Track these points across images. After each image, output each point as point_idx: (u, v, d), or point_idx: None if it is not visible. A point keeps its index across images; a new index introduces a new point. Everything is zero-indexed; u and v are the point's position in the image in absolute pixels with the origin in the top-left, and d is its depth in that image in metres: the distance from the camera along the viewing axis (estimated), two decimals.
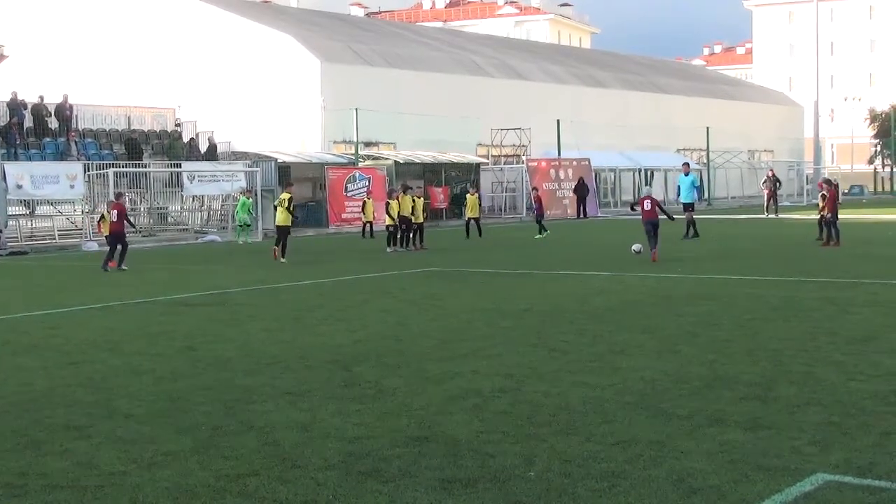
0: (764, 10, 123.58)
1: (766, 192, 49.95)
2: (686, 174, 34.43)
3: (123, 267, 24.44)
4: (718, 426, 8.42)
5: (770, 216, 46.65)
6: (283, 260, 26.11)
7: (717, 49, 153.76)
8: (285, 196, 27.50)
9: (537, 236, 34.10)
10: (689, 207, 33.15)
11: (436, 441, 8.12)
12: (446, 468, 7.41)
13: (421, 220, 30.70)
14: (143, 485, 7.17)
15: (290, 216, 27.22)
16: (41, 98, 41.07)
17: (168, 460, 7.74)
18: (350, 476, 7.28)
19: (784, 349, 11.90)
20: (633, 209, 27.79)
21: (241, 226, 36.83)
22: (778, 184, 51.57)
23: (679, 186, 35.15)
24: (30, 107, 40.60)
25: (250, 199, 37.43)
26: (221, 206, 43.41)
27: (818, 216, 29.72)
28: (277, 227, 27.21)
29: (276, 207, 28.50)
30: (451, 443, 8.06)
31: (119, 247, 24.73)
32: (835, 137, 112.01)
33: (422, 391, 10.00)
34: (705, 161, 70.38)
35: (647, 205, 25.67)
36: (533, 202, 37.37)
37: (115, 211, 25.01)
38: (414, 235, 30.43)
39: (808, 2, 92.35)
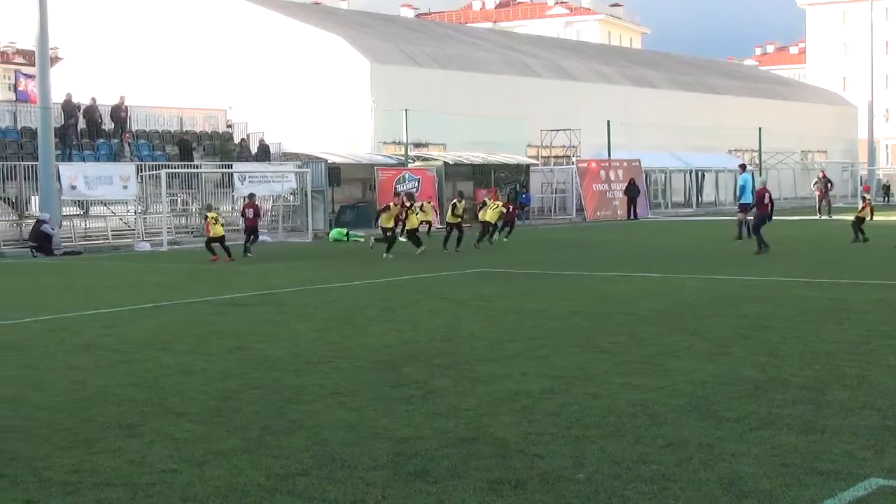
0: (818, 10, 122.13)
1: (817, 193, 49.41)
2: (742, 174, 34.31)
3: (250, 255, 28.77)
4: (770, 429, 8.34)
5: (823, 217, 46.14)
6: (390, 255, 27.79)
7: (770, 49, 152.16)
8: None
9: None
10: (743, 208, 32.94)
11: (484, 442, 8.12)
12: (495, 469, 7.40)
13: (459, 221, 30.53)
14: (193, 483, 7.23)
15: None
16: (93, 100, 41.58)
17: (219, 459, 7.80)
18: (399, 476, 7.29)
19: (837, 352, 11.77)
20: (747, 209, 27.01)
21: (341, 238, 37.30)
22: (829, 185, 50.99)
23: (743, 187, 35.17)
24: (82, 108, 41.11)
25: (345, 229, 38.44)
26: (272, 206, 43.67)
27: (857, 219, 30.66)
28: (384, 227, 28.64)
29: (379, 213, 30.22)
30: (500, 444, 8.05)
31: (252, 237, 29.75)
32: (889, 138, 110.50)
33: (470, 392, 10.00)
34: (757, 162, 69.71)
35: (768, 198, 25.89)
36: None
37: (252, 209, 29.93)
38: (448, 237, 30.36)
39: (862, 1, 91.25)
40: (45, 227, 32.73)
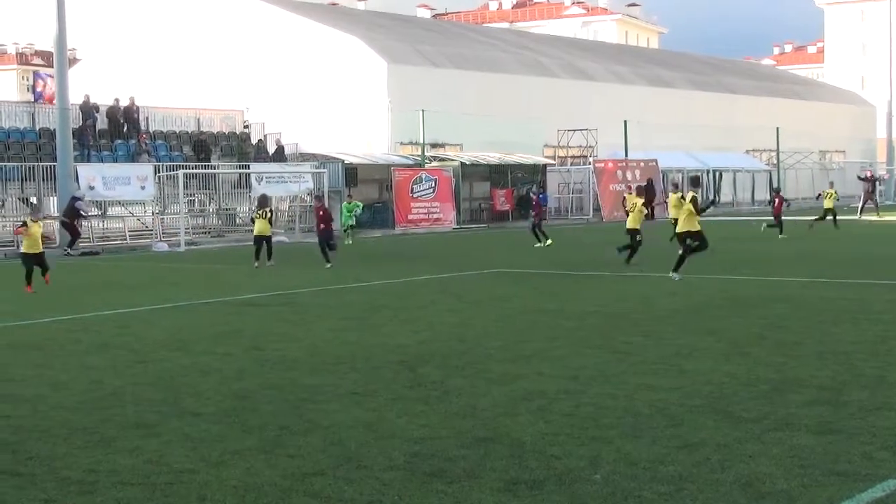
0: (836, 9, 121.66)
1: (863, 193, 49.07)
2: None
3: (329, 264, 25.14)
4: (787, 430, 8.31)
5: (864, 218, 45.85)
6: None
7: (788, 48, 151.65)
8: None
9: (538, 245, 31.13)
10: None
11: (501, 442, 8.11)
12: (511, 470, 7.39)
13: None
14: (210, 483, 7.25)
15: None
16: (116, 101, 41.77)
17: (235, 459, 7.82)
18: (415, 477, 7.29)
19: (855, 352, 11.71)
20: None
21: (347, 228, 36.22)
22: (876, 184, 51.13)
23: None
24: (102, 110, 41.28)
25: (353, 203, 37.20)
26: (289, 206, 43.77)
27: None
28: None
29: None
30: (516, 444, 8.04)
31: (329, 244, 25.84)
32: None
33: (486, 392, 9.99)
34: (775, 162, 69.48)
35: None
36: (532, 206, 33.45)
37: (323, 213, 26.32)
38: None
39: (881, 0, 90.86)
40: (80, 205, 33.08)
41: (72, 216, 33.12)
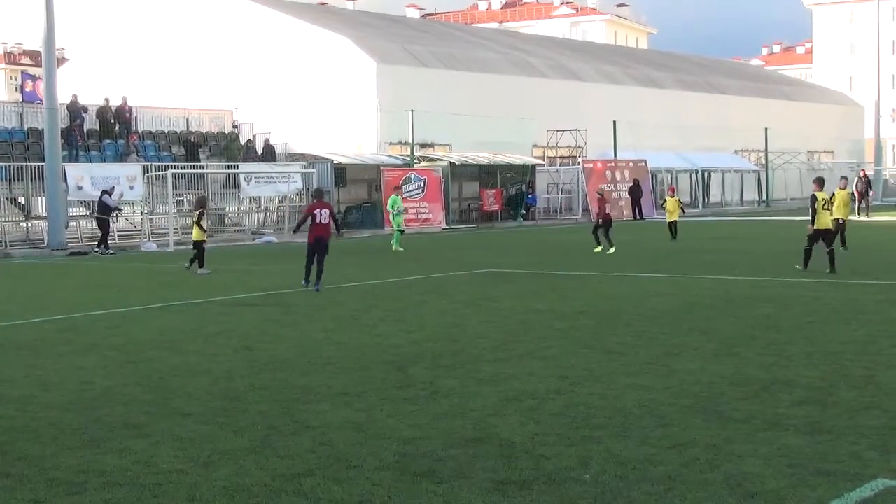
0: (824, 10, 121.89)
1: (857, 193, 49.22)
2: None
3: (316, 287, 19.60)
4: (776, 430, 8.33)
5: (862, 218, 45.91)
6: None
7: (777, 49, 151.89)
8: None
9: (598, 249, 28.44)
10: None
11: (491, 442, 8.12)
12: (501, 470, 7.40)
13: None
14: (200, 483, 7.24)
15: None
16: (106, 100, 41.67)
17: (225, 459, 7.81)
18: (405, 477, 7.29)
19: (844, 352, 11.75)
20: None
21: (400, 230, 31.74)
22: (870, 185, 51.30)
23: None
24: (91, 110, 41.19)
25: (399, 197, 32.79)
26: (278, 207, 43.71)
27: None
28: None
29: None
30: (506, 444, 8.05)
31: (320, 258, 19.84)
32: None
33: (477, 392, 10.00)
34: (763, 162, 69.62)
35: None
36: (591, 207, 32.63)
37: (326, 210, 20.05)
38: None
39: (869, 0, 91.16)
40: (106, 198, 33.25)
41: (105, 212, 33.36)
